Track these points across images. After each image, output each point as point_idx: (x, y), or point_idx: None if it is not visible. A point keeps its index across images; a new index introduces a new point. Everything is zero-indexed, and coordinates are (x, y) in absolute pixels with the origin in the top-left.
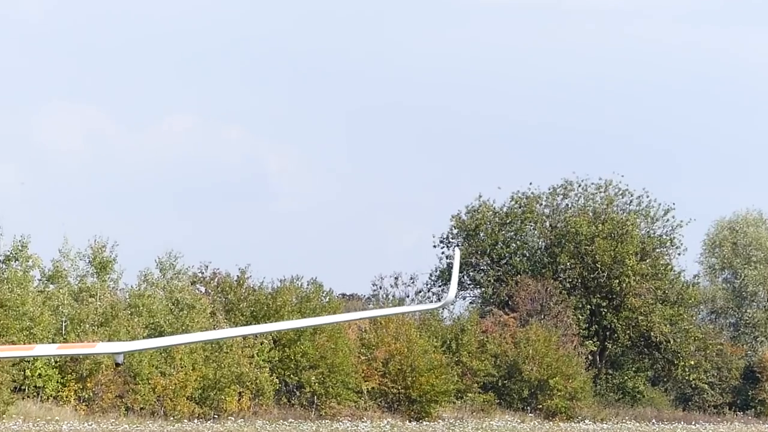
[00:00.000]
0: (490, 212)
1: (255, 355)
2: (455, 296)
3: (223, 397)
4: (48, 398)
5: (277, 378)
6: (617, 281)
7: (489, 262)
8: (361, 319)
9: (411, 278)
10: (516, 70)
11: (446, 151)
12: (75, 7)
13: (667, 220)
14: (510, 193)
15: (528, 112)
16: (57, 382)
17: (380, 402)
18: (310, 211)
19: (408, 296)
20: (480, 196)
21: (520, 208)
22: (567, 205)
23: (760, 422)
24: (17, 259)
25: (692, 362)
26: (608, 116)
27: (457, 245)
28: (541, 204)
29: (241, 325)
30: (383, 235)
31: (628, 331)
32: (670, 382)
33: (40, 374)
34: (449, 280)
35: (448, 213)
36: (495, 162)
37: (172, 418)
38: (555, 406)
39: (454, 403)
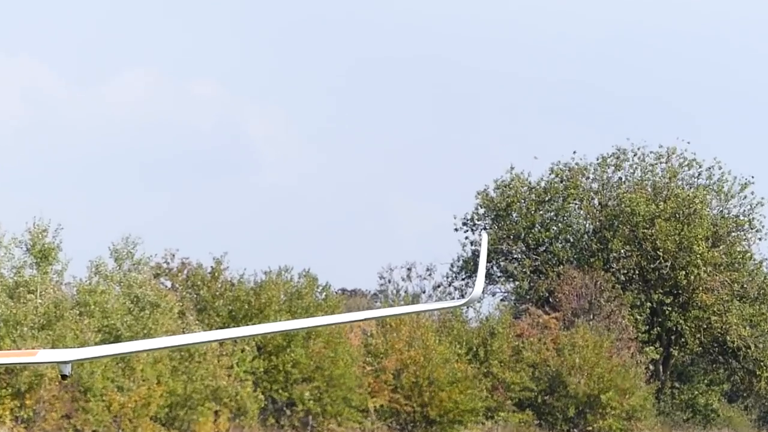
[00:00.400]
0: (525, 187)
1: (234, 365)
2: (482, 292)
3: (195, 417)
4: None
5: (262, 393)
6: (684, 273)
7: (524, 249)
8: (365, 320)
9: (427, 270)
10: (557, 18)
11: (470, 113)
12: None
13: (745, 197)
14: (549, 164)
15: (570, 67)
16: None
17: (391, 423)
18: (302, 186)
19: (424, 292)
20: (512, 168)
21: (561, 182)
22: (620, 178)
23: None
24: None
25: None
26: (670, 73)
27: (485, 228)
28: (589, 177)
29: (216, 328)
30: (392, 217)
31: (699, 335)
32: (751, 397)
33: None
34: (475, 271)
35: (472, 189)
36: (530, 126)
37: None
38: (608, 427)
39: (483, 423)
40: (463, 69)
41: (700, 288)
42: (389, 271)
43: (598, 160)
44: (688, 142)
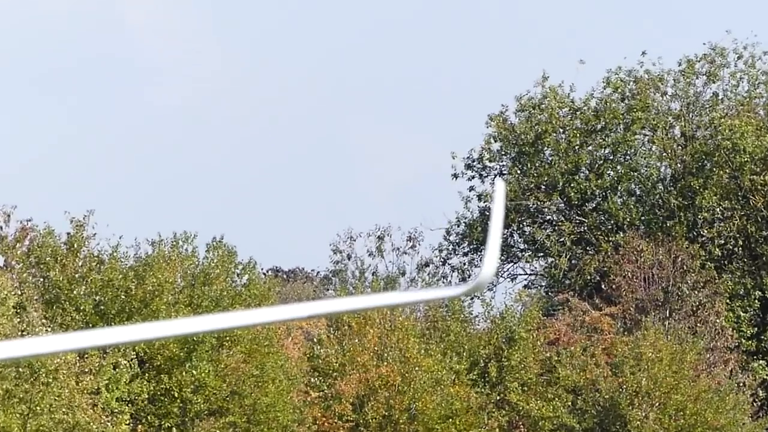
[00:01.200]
0: (566, 109)
1: (103, 388)
2: (496, 274)
3: None
4: None
5: None
6: None
7: (563, 206)
8: (311, 317)
9: (409, 239)
10: None
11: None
12: None
13: None
14: (604, 71)
15: None
16: None
17: None
18: (210, 108)
19: (404, 274)
20: (545, 79)
21: (623, 101)
22: (715, 94)
23: None
24: None
25: None
26: None
27: (501, 174)
28: (666, 93)
29: (75, 329)
30: (355, 157)
31: None
32: None
33: None
34: (484, 242)
35: (482, 112)
36: (572, 16)
37: None
38: None
39: None
40: None
41: None
42: (348, 241)
43: (680, 65)
44: None
